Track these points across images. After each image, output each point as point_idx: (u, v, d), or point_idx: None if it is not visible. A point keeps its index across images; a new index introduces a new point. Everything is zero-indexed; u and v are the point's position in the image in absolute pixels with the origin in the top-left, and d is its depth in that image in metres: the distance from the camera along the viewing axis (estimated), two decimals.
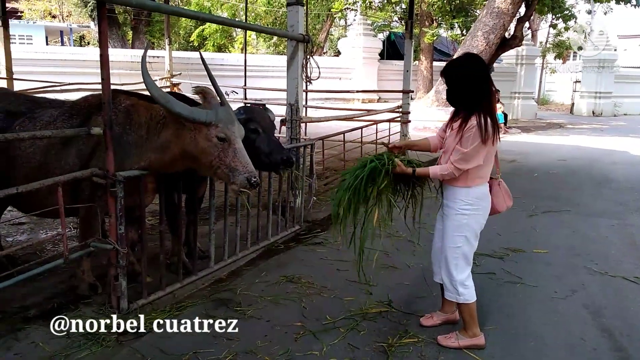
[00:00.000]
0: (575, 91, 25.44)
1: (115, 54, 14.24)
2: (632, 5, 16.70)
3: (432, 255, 3.31)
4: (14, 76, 8.65)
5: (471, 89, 2.90)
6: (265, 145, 3.84)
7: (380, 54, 20.97)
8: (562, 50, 25.77)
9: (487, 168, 3.00)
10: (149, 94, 3.08)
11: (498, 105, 15.94)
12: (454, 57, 3.20)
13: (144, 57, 3.19)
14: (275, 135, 4.08)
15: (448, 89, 3.02)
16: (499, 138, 2.93)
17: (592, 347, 3.12)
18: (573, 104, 25.44)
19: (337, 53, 23.87)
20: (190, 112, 3.05)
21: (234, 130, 3.15)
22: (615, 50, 24.52)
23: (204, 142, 3.09)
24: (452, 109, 3.09)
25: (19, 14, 24.22)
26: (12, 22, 21.58)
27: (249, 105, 4.22)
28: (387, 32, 24.90)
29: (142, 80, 3.18)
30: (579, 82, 25.07)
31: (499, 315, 3.50)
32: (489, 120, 2.85)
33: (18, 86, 8.68)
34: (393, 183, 3.13)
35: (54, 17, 26.69)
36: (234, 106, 3.79)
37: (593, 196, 7.31)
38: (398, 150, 3.22)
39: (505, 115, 16.91)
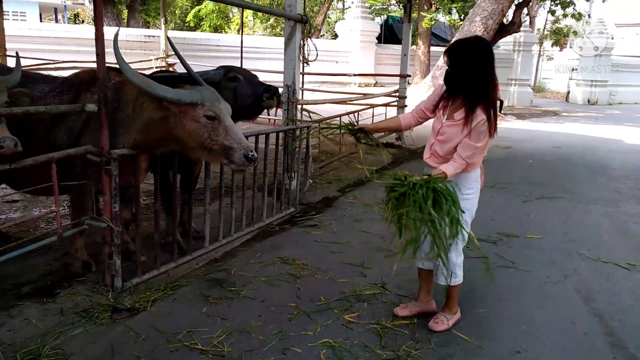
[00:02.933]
0: (571, 79, 25.43)
1: (110, 32, 14.01)
2: None
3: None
4: (7, 53, 8.54)
5: (481, 75, 2.76)
6: (246, 88, 3.88)
7: (377, 38, 20.80)
8: (560, 37, 25.67)
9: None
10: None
11: None
12: (461, 38, 3.02)
13: (115, 42, 3.02)
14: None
15: (452, 73, 2.84)
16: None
17: (584, 331, 3.15)
18: (569, 92, 25.44)
19: (334, 36, 23.67)
20: (176, 94, 2.96)
21: (222, 107, 3.08)
22: (612, 38, 24.45)
23: (192, 124, 3.00)
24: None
25: None
26: None
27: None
28: (385, 16, 24.71)
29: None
30: (575, 70, 25.05)
31: (492, 299, 3.52)
32: (492, 113, 2.77)
33: (11, 63, 8.57)
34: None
35: None
36: None
37: (587, 183, 7.34)
38: (364, 133, 3.19)
39: (501, 102, 16.88)
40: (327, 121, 4.76)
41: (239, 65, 11.13)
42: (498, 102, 17.21)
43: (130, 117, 3.20)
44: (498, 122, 2.90)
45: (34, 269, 3.56)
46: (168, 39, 3.74)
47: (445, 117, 2.93)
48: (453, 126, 2.87)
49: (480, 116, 2.76)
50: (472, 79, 2.77)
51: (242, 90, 3.84)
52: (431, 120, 3.12)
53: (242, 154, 2.98)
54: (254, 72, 4.19)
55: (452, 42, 2.97)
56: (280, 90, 5.24)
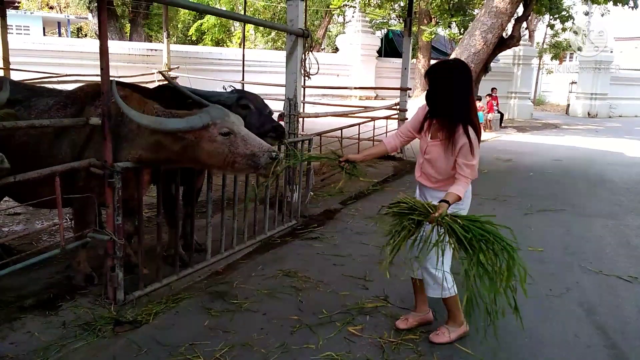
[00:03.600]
0: (571, 92, 25.54)
1: (113, 46, 14.10)
2: (629, 7, 16.74)
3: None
4: (12, 67, 8.62)
5: (459, 96, 2.83)
6: (255, 119, 3.93)
7: (378, 52, 20.96)
8: (559, 51, 25.85)
9: None
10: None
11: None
12: (443, 60, 3.11)
13: (114, 89, 3.03)
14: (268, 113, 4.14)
15: (434, 94, 2.89)
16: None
17: (587, 344, 3.15)
18: (569, 104, 25.55)
19: (335, 50, 23.84)
20: (187, 123, 3.02)
21: (233, 120, 3.14)
22: (611, 52, 24.61)
23: (209, 145, 3.06)
24: None
25: (17, 4, 24.02)
26: (10, 12, 21.48)
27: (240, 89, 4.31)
28: (385, 30, 24.91)
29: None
30: (575, 83, 25.17)
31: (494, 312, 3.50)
32: (473, 132, 2.83)
33: (15, 77, 8.64)
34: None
35: (51, 8, 26.56)
36: None
37: (588, 196, 7.34)
38: (349, 163, 3.17)
39: (502, 115, 16.98)
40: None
41: (241, 78, 11.20)
42: (498, 115, 17.15)
43: (135, 132, 3.21)
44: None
45: (36, 282, 3.56)
46: (162, 73, 3.75)
47: (430, 136, 2.99)
48: (437, 145, 2.93)
49: (461, 138, 2.81)
50: (450, 100, 2.84)
51: (251, 121, 3.84)
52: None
53: (267, 157, 3.06)
54: (260, 88, 4.23)
55: (432, 64, 3.02)
56: (282, 104, 5.29)
